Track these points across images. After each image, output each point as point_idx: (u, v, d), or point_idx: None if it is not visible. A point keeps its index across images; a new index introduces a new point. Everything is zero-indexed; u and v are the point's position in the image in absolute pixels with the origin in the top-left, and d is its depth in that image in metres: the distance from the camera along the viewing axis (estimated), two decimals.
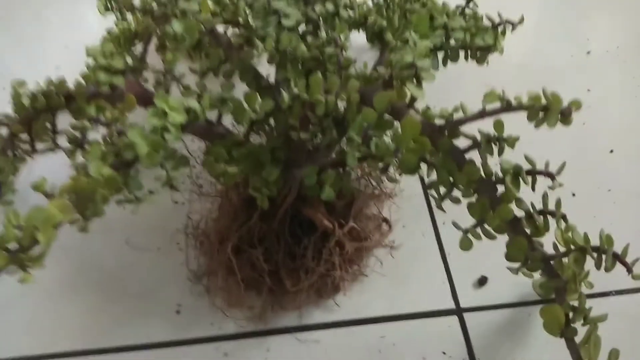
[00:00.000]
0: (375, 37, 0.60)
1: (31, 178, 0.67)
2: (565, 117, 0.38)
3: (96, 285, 0.60)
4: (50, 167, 0.61)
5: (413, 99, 0.43)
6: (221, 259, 0.56)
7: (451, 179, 0.43)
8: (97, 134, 0.47)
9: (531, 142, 0.42)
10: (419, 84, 0.43)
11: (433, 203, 0.64)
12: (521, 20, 0.60)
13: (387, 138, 0.46)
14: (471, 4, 0.64)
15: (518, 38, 0.65)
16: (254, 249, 0.54)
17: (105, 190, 0.39)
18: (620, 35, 0.87)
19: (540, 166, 0.43)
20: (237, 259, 0.54)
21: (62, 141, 0.50)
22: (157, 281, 0.59)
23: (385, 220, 0.62)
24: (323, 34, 0.49)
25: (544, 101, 0.38)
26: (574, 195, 0.65)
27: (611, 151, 0.70)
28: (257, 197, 0.47)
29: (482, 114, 0.41)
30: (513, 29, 0.60)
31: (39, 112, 0.48)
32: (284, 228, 0.55)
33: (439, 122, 0.43)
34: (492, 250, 0.42)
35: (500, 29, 0.60)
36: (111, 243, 0.63)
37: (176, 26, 0.47)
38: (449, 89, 0.64)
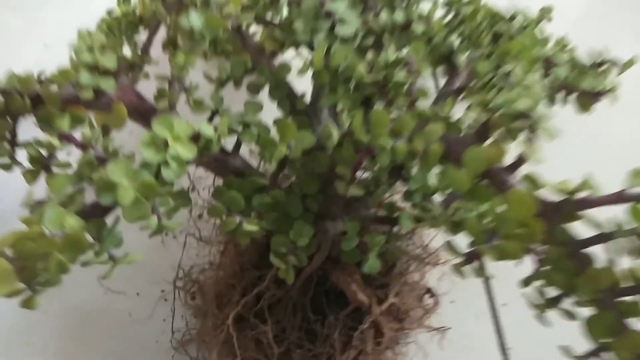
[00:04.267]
0: (444, 60, 0.48)
1: None
2: None
3: (52, 337, 0.47)
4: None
5: (520, 162, 0.31)
6: (217, 327, 0.43)
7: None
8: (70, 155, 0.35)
9: None
10: (530, 140, 0.31)
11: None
12: (633, 61, 0.48)
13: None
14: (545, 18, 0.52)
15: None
16: (263, 323, 0.42)
17: (65, 254, 0.27)
18: None
19: None
20: (238, 331, 0.42)
21: (23, 156, 0.38)
22: (131, 340, 0.47)
23: (430, 292, 0.50)
24: (390, 52, 0.37)
25: None
26: None
27: None
28: (280, 269, 0.35)
29: (621, 198, 0.29)
30: (621, 71, 0.48)
31: None
32: (305, 298, 0.43)
33: (550, 197, 0.31)
34: None
35: (603, 68, 0.48)
36: (78, 278, 0.50)
37: (194, 19, 0.35)
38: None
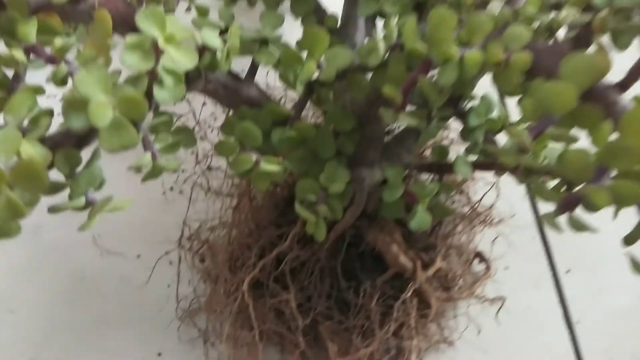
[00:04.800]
0: None
1: None
2: None
3: (39, 305, 0.41)
4: None
5: (635, 75, 0.23)
6: (230, 294, 0.37)
7: None
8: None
9: None
10: None
11: (552, 240, 0.44)
12: None
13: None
14: None
15: None
16: (284, 290, 0.35)
17: (17, 192, 0.19)
18: None
19: None
20: (255, 299, 0.35)
21: None
22: (131, 309, 0.41)
23: (481, 256, 0.42)
24: None
25: None
26: None
27: None
28: (308, 222, 0.28)
29: None
30: None
31: None
32: (334, 261, 0.36)
33: None
34: None
35: None
36: (70, 238, 0.44)
37: None
38: None
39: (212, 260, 0.39)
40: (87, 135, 0.23)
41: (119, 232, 0.45)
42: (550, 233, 0.45)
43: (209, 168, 0.45)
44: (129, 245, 0.44)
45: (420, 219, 0.31)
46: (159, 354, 0.38)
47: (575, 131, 0.23)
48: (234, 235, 0.39)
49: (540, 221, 0.45)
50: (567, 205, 0.23)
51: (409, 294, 0.35)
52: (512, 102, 0.32)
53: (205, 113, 0.44)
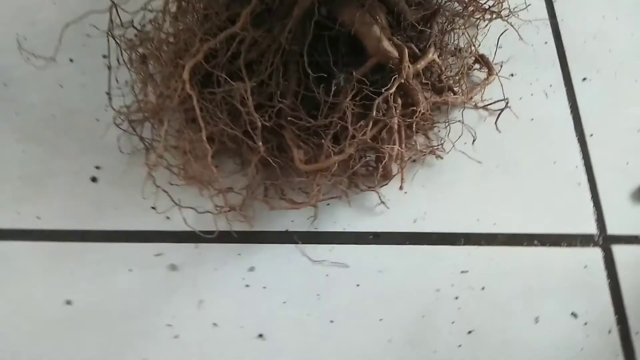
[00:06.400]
0: None
1: None
2: None
3: None
4: None
5: None
6: (174, 88, 0.30)
7: None
8: None
9: None
10: None
11: (568, 43, 0.37)
12: None
13: None
14: None
15: None
16: (237, 81, 0.28)
17: None
18: None
19: None
20: (203, 92, 0.29)
21: None
22: (64, 119, 0.35)
23: (482, 59, 0.36)
24: None
25: None
26: None
27: None
28: None
29: None
30: None
31: None
32: (301, 45, 0.29)
33: None
34: None
35: None
36: None
37: None
38: None
39: (154, 57, 0.32)
40: None
41: (46, 33, 0.37)
42: (566, 35, 0.38)
43: None
44: (60, 47, 0.36)
45: None
46: (97, 167, 0.33)
47: None
48: (178, 27, 0.31)
49: (555, 17, 0.38)
50: None
51: (393, 89, 0.29)
52: None
53: None
